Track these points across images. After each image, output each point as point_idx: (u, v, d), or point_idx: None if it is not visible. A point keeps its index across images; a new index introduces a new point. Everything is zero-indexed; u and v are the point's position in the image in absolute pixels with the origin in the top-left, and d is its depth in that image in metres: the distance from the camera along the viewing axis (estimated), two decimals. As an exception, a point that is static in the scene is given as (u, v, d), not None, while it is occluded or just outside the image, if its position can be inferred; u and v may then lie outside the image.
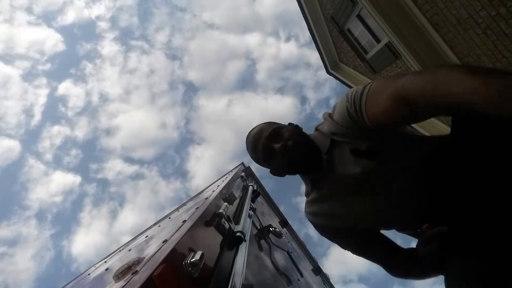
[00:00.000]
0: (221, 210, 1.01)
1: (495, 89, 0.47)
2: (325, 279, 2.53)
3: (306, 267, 2.17)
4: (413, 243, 0.86)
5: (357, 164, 0.77)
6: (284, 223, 2.50)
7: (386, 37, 3.69)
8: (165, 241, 0.71)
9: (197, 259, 0.60)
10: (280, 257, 1.52)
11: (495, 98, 0.46)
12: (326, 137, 0.84)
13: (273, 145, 0.85)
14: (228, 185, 1.56)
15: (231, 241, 0.96)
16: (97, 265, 1.86)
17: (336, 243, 0.96)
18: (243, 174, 2.37)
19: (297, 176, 0.96)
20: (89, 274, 1.67)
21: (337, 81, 6.51)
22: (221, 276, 0.74)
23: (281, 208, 2.80)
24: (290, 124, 0.94)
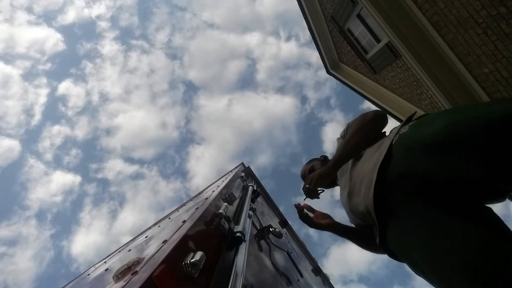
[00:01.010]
0: (221, 211, 1.01)
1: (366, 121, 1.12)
2: (324, 279, 2.53)
3: (306, 267, 2.17)
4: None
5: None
6: (284, 223, 2.49)
7: (386, 37, 3.69)
8: (165, 242, 0.71)
9: (197, 259, 0.60)
10: (280, 257, 1.52)
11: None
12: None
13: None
14: (228, 185, 1.56)
15: (231, 241, 0.96)
16: (97, 266, 1.86)
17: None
18: (243, 174, 2.37)
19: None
20: (89, 274, 1.67)
21: (337, 81, 6.51)
22: (221, 276, 0.74)
23: (281, 208, 2.80)
24: (321, 156, 1.51)
